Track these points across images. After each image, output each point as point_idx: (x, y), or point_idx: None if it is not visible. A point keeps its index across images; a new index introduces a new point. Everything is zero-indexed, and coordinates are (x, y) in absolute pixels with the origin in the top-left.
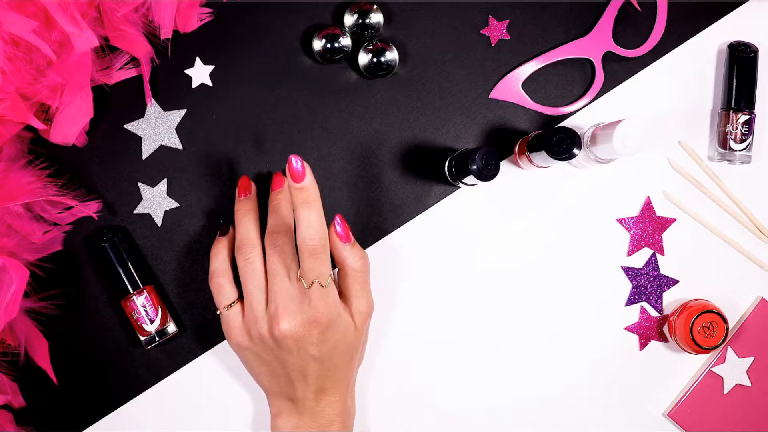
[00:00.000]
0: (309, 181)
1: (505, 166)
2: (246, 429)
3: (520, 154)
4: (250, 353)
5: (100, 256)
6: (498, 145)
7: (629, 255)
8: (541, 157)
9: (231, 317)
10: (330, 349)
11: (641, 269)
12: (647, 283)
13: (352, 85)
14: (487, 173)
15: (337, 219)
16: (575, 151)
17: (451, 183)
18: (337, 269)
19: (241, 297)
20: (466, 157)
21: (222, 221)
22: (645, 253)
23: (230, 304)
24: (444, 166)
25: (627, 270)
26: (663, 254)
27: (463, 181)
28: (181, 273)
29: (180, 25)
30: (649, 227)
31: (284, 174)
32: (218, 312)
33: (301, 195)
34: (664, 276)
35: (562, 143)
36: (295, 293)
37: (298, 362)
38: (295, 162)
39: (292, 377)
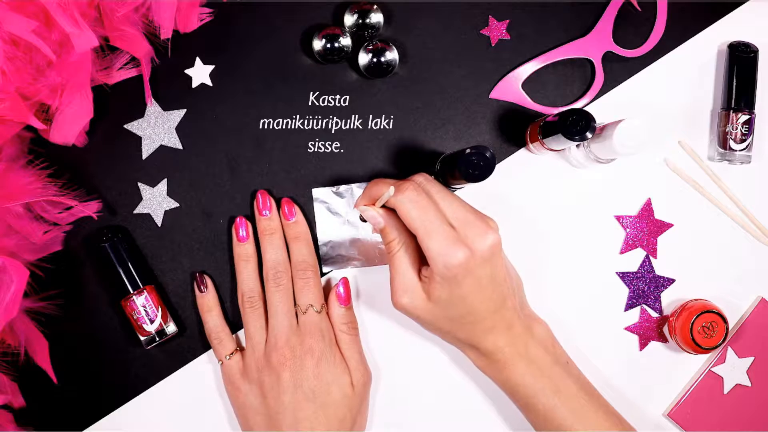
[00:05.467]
0: (299, 216)
1: (504, 166)
2: None
3: (532, 140)
4: (248, 399)
5: (100, 256)
6: (498, 145)
7: (622, 253)
8: (555, 140)
9: (232, 365)
10: (324, 391)
11: (636, 273)
12: (644, 286)
13: (352, 85)
14: (477, 174)
15: (342, 281)
16: (588, 134)
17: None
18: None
19: (239, 347)
20: (453, 161)
21: (222, 221)
22: (638, 255)
23: (231, 354)
24: (433, 171)
25: (622, 276)
26: (656, 257)
27: (450, 184)
28: (181, 273)
29: (180, 25)
30: (645, 228)
31: (272, 199)
32: (219, 362)
33: (293, 229)
34: (660, 276)
35: (576, 124)
36: (294, 325)
37: (292, 403)
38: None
39: (284, 426)
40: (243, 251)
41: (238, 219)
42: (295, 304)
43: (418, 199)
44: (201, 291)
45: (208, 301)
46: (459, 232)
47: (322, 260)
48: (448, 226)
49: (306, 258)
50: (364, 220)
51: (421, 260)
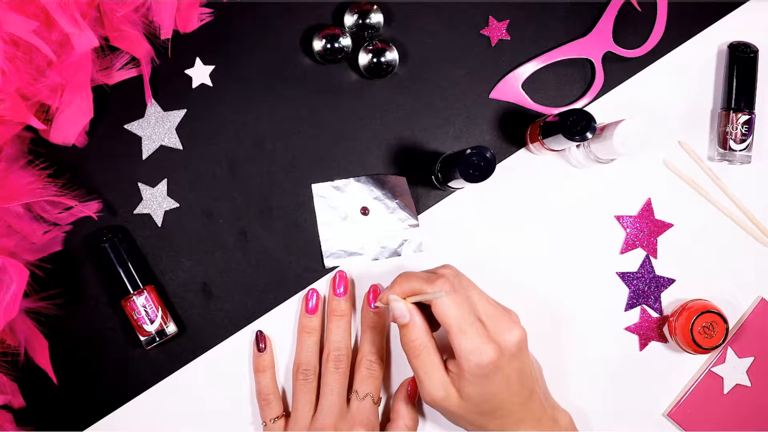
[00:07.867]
0: (381, 308)
1: (504, 166)
2: (245, 429)
3: (532, 140)
4: None
5: (100, 256)
6: (498, 145)
7: (622, 253)
8: (555, 140)
9: (275, 430)
10: None
11: (636, 273)
12: (644, 287)
13: (352, 85)
14: (477, 174)
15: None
16: (588, 134)
17: (439, 188)
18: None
19: (285, 412)
20: (453, 161)
21: (221, 221)
22: (638, 255)
23: (276, 418)
24: (433, 171)
25: (623, 276)
26: (656, 257)
27: (449, 185)
28: (181, 273)
29: (180, 25)
30: (645, 228)
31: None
32: (263, 424)
33: (372, 319)
34: (660, 276)
35: (576, 124)
36: (345, 409)
37: None
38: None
39: None
40: (309, 323)
41: (310, 291)
42: (350, 390)
43: (453, 295)
44: (259, 350)
45: (264, 361)
46: (489, 328)
47: (323, 255)
48: (480, 323)
49: (379, 350)
50: (365, 214)
51: (441, 353)
